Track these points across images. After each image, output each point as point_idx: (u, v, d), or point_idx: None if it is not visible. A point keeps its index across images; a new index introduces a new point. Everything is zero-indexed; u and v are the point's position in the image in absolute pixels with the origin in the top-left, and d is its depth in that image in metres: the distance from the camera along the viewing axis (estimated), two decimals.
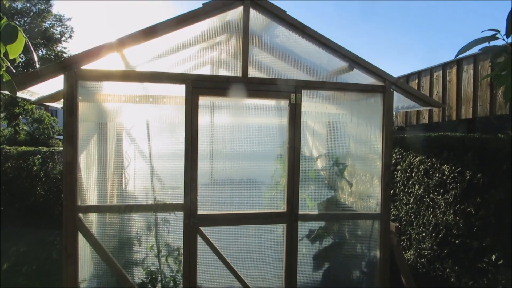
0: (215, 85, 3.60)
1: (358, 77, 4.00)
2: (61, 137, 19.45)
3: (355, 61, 3.87)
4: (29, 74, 3.23)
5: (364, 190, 4.03)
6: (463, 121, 5.20)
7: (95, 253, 3.44)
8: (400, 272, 4.31)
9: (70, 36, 19.35)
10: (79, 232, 3.40)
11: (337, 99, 3.97)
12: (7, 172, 8.45)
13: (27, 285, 5.07)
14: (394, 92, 3.94)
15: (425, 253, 4.16)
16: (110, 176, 3.64)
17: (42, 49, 18.16)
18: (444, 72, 5.53)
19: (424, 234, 4.18)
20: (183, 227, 3.54)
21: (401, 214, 4.60)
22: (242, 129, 3.85)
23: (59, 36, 18.91)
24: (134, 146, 3.67)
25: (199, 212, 3.57)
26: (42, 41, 17.76)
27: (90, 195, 3.52)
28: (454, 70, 5.35)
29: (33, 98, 4.05)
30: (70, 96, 3.35)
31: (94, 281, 3.50)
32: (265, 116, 3.91)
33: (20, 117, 16.05)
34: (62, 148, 10.06)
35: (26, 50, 1.93)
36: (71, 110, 3.35)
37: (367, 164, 4.03)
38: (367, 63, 3.88)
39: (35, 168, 8.52)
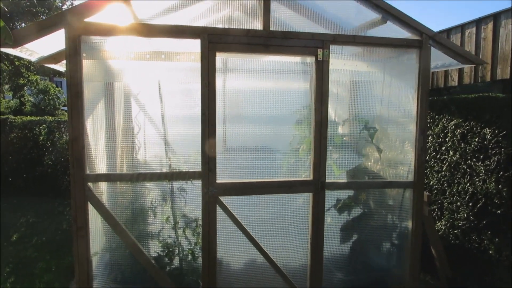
0: (233, 40, 3.21)
1: (389, 32, 3.57)
2: (66, 108, 19.22)
3: (389, 12, 3.44)
4: (25, 28, 2.86)
5: (396, 156, 3.70)
6: (498, 82, 4.77)
7: (107, 225, 3.18)
8: (430, 243, 4.04)
9: (72, 4, 18.67)
10: (89, 203, 3.14)
11: (368, 56, 3.57)
12: (13, 142, 8.21)
13: (38, 257, 4.90)
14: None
15: (459, 224, 3.86)
16: (120, 142, 3.33)
17: (43, 17, 17.57)
18: (478, 29, 5.05)
19: (458, 203, 3.87)
20: (201, 197, 3.25)
21: (431, 182, 4.28)
22: (261, 91, 3.49)
23: (60, 4, 18.26)
24: (145, 109, 3.34)
25: (218, 181, 3.28)
26: (42, 9, 17.17)
27: (99, 163, 3.22)
28: (490, 26, 4.86)
29: (33, 58, 3.70)
30: (73, 53, 2.99)
31: (107, 255, 3.26)
32: (286, 78, 3.52)
33: (25, 88, 15.71)
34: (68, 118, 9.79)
35: None
36: (74, 68, 3.01)
37: (400, 128, 3.67)
38: (403, 15, 3.45)
39: (41, 138, 8.27)
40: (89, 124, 3.16)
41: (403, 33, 3.59)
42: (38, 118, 8.68)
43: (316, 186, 3.45)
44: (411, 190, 3.66)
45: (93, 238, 3.19)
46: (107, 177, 3.19)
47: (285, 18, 3.53)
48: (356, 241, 3.65)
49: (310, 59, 3.40)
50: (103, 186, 3.24)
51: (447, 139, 4.07)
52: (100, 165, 3.22)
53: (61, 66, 4.48)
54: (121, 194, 3.23)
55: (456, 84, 5.35)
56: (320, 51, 3.34)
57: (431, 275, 4.18)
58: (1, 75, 13.84)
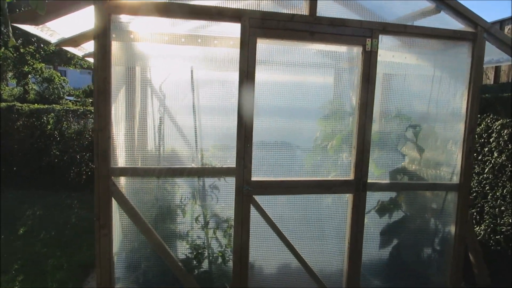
0: (277, 25, 2.93)
1: (438, 23, 3.30)
2: (71, 97, 18.86)
3: (443, 1, 3.17)
4: (53, 2, 2.58)
5: (441, 157, 3.44)
6: None
7: (132, 223, 2.92)
8: (469, 249, 3.80)
9: None
10: (113, 199, 2.88)
11: (418, 48, 3.29)
12: (19, 130, 7.92)
13: (48, 253, 4.64)
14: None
15: (503, 229, 3.61)
16: (147, 134, 3.06)
17: None
18: (502, 29, 4.79)
19: (503, 208, 3.61)
20: (235, 195, 2.99)
21: (471, 184, 4.03)
22: (300, 83, 3.22)
23: None
24: (177, 98, 3.06)
25: (253, 178, 3.02)
26: None
27: (123, 155, 2.95)
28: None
29: (53, 40, 3.43)
30: (102, 33, 2.72)
31: (130, 255, 3.00)
32: (330, 69, 3.22)
33: (29, 76, 15.39)
34: (75, 107, 9.50)
35: None
36: (103, 50, 2.73)
37: (447, 127, 3.41)
38: (459, 4, 3.18)
39: (49, 127, 7.98)
40: (113, 112, 2.89)
41: (454, 24, 3.32)
42: (46, 106, 8.38)
43: (358, 187, 3.19)
44: (456, 193, 3.40)
45: (115, 237, 2.93)
46: (133, 171, 2.92)
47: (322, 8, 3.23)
48: (396, 246, 3.40)
49: (357, 50, 3.13)
50: (127, 181, 2.96)
51: (491, 139, 3.81)
52: (125, 158, 2.95)
53: (80, 50, 4.21)
54: (148, 190, 2.96)
55: (492, 82, 5.08)
56: (368, 41, 3.07)
57: (468, 282, 3.93)
58: (5, 62, 13.52)
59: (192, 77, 3.06)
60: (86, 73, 32.58)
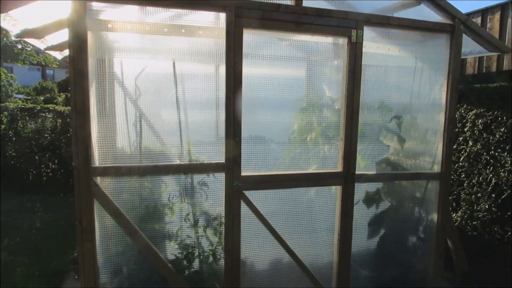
0: (262, 15, 2.84)
1: (416, 15, 3.36)
2: (20, 95, 17.70)
3: None
4: None
5: (423, 146, 3.52)
6: (505, 72, 4.74)
7: (116, 225, 2.75)
8: (447, 235, 3.93)
9: None
10: (95, 201, 2.69)
11: (400, 39, 3.33)
12: None
13: (15, 261, 4.30)
14: None
15: (479, 215, 3.77)
16: (130, 130, 2.88)
17: None
18: (484, 19, 4.98)
19: (479, 194, 3.76)
20: (225, 192, 2.90)
21: None
22: (285, 76, 3.17)
23: None
24: (160, 92, 2.91)
25: (243, 173, 2.93)
26: None
27: (105, 154, 2.76)
28: (497, 16, 4.81)
29: (15, 31, 3.15)
30: (77, 22, 2.51)
31: (116, 259, 2.82)
32: (315, 60, 3.18)
33: None
34: (32, 105, 8.91)
35: None
36: (80, 41, 2.53)
37: (428, 118, 3.49)
38: None
39: (3, 126, 7.43)
40: (92, 107, 2.69)
41: (432, 17, 3.39)
42: None
43: (346, 179, 3.20)
44: (437, 182, 3.50)
45: (99, 242, 2.75)
46: (117, 170, 2.74)
47: None
48: (383, 236, 3.45)
49: (342, 41, 3.11)
50: (109, 181, 2.78)
51: (465, 129, 3.95)
52: (106, 157, 2.76)
53: (42, 43, 3.92)
54: (132, 190, 2.80)
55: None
56: (354, 32, 3.06)
57: (445, 268, 4.07)
58: None
59: (174, 70, 2.91)
60: (35, 70, 30.82)
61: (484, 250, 3.81)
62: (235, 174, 2.91)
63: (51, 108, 7.89)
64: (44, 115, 7.81)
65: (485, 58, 4.98)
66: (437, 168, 3.49)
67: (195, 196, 2.91)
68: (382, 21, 3.16)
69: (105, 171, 2.70)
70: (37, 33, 3.32)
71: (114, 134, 2.82)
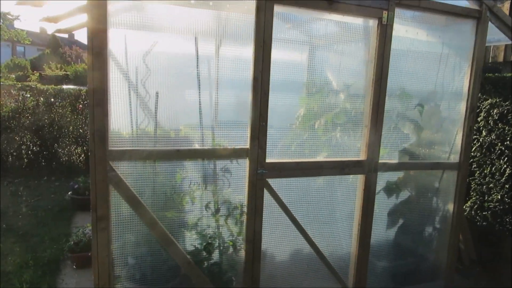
0: None
1: None
2: None
3: None
4: None
5: (443, 136, 3.45)
6: (508, 63, 4.74)
7: (133, 214, 2.53)
8: None
9: None
10: (111, 187, 2.46)
11: (428, 23, 3.21)
12: None
13: (4, 249, 4.00)
14: None
15: (491, 206, 3.76)
16: (148, 111, 2.64)
17: None
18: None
19: (491, 185, 3.75)
20: (248, 179, 2.73)
21: None
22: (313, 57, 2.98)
23: None
24: (182, 70, 2.68)
25: (267, 160, 2.77)
26: None
27: (121, 136, 2.53)
28: (506, 5, 4.78)
29: None
30: None
31: (132, 250, 2.62)
32: (343, 43, 3.01)
33: None
34: (12, 82, 8.34)
35: None
36: (98, 11, 2.27)
37: (449, 106, 3.41)
38: None
39: None
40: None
41: (458, 2, 3.28)
42: None
43: (369, 167, 3.09)
44: (456, 172, 3.45)
45: (114, 231, 2.53)
46: (136, 154, 2.51)
47: None
48: (402, 225, 3.38)
49: (372, 22, 2.96)
50: (127, 166, 2.54)
51: (478, 119, 3.91)
52: (123, 139, 2.52)
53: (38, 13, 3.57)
54: (151, 176, 2.58)
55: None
56: (385, 13, 2.91)
57: None
58: None
59: (196, 45, 2.68)
60: (5, 46, 29.30)
61: (495, 239, 3.82)
62: (260, 160, 2.74)
63: (33, 86, 7.42)
64: (24, 93, 7.34)
65: (492, 47, 4.96)
66: (454, 158, 3.44)
67: (217, 183, 2.72)
68: (413, 4, 3.02)
69: (123, 154, 2.47)
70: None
71: (131, 115, 2.58)
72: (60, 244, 4.11)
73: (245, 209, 2.77)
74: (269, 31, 2.62)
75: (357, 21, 2.96)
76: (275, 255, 2.99)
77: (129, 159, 2.50)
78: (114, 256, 2.54)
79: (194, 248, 2.72)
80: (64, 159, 7.37)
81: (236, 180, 2.76)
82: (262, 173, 2.74)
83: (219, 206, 2.77)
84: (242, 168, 2.74)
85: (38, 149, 7.24)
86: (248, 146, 2.71)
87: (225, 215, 2.78)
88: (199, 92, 2.72)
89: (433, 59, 3.27)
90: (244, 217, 2.79)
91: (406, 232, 3.39)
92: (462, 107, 3.38)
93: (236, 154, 2.72)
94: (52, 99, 7.35)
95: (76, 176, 5.89)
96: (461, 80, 3.36)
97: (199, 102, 2.72)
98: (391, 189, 3.28)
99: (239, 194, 2.78)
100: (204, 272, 2.74)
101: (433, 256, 3.55)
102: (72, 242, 3.85)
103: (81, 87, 7.96)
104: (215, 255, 2.79)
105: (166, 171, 2.61)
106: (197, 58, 2.68)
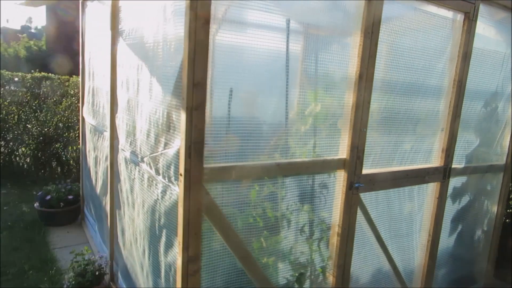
0: None
1: None
2: None
3: None
4: None
5: (496, 137, 3.36)
6: None
7: (225, 248, 1.97)
8: None
9: None
10: (203, 215, 1.87)
11: (498, 22, 3.05)
12: None
13: None
14: None
15: None
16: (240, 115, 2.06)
17: None
18: None
19: None
20: (344, 195, 2.32)
21: None
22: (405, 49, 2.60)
23: None
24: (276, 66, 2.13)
25: (363, 171, 2.38)
26: None
27: (211, 148, 1.92)
28: None
29: None
30: None
31: None
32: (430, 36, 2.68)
33: None
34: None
35: None
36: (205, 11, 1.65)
37: (503, 107, 3.31)
38: None
39: None
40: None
41: None
42: None
43: (445, 174, 2.87)
44: (501, 174, 3.42)
45: (205, 273, 1.95)
46: (236, 171, 1.93)
47: None
48: (460, 232, 3.24)
49: (460, 17, 2.69)
50: (215, 187, 1.96)
51: None
52: (213, 152, 1.93)
53: None
54: (242, 198, 2.03)
55: None
56: (472, 8, 2.67)
57: None
58: None
59: (288, 29, 2.15)
60: None
61: None
62: (357, 172, 2.34)
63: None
64: None
65: None
66: (502, 160, 3.40)
67: (313, 201, 2.26)
68: (500, 2, 2.83)
69: (218, 173, 1.88)
70: None
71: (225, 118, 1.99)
72: (55, 278, 3.24)
73: (337, 230, 2.36)
74: (378, 24, 2.21)
75: (445, 14, 2.67)
76: (359, 278, 2.63)
77: (225, 177, 1.92)
78: None
79: (286, 281, 2.23)
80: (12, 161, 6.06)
81: (330, 197, 2.33)
82: (357, 187, 2.35)
83: (314, 229, 2.31)
84: (337, 182, 2.32)
85: None
86: (345, 156, 2.29)
87: (318, 239, 2.34)
88: (287, 88, 2.20)
89: (498, 59, 3.13)
90: (335, 239, 2.38)
91: (463, 237, 3.27)
92: (510, 108, 3.32)
93: (333, 166, 2.28)
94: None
95: (33, 184, 4.84)
96: None
97: (286, 102, 2.21)
98: (455, 195, 3.11)
99: (331, 212, 2.36)
100: None
101: (479, 260, 3.50)
102: (72, 274, 3.05)
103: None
104: (306, 286, 2.34)
105: (260, 189, 2.07)
106: (287, 46, 2.16)
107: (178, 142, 1.86)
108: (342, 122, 2.27)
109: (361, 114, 2.27)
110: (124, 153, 2.68)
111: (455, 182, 3.08)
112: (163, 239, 2.13)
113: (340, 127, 2.28)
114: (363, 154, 2.34)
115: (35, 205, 4.38)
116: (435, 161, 2.85)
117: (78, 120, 5.06)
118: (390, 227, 2.70)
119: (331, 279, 2.43)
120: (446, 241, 3.19)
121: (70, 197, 4.36)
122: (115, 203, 3.11)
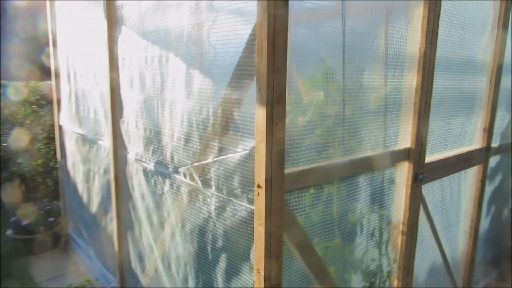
0: None
1: None
2: None
3: None
4: None
5: None
6: None
7: (299, 266, 1.64)
8: None
9: None
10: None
11: None
12: None
13: None
14: None
15: None
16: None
17: None
18: None
19: None
20: (409, 188, 2.06)
21: None
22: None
23: None
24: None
25: (426, 160, 2.13)
26: None
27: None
28: None
29: None
30: None
31: None
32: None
33: None
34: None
35: None
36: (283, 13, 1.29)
37: None
38: None
39: None
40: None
41: None
42: None
43: (487, 155, 2.71)
44: None
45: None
46: (315, 174, 1.59)
47: None
48: (494, 213, 3.12)
49: None
50: (297, 196, 1.61)
51: None
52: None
53: None
54: (319, 205, 1.70)
55: None
56: None
57: None
58: None
59: (343, 9, 1.83)
60: None
61: None
62: (421, 162, 2.09)
63: None
64: None
65: None
66: None
67: (382, 200, 1.97)
68: None
69: (299, 178, 1.53)
70: None
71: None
72: None
73: (401, 228, 2.10)
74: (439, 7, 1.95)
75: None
76: (418, 277, 2.39)
77: (302, 183, 1.58)
78: None
79: None
80: None
81: (396, 192, 2.06)
82: (421, 178, 2.10)
83: (383, 231, 2.03)
84: (401, 175, 2.05)
85: None
86: (409, 145, 2.03)
87: (386, 241, 2.07)
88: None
89: None
90: (400, 239, 2.12)
91: (495, 218, 3.16)
92: None
93: (399, 157, 2.01)
94: None
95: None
96: None
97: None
98: (491, 176, 2.98)
99: (396, 209, 2.09)
100: None
101: (506, 242, 3.43)
102: None
103: None
104: None
105: (338, 193, 1.75)
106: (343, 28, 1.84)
107: (247, 145, 1.49)
108: (406, 107, 2.00)
109: (425, 96, 2.01)
110: (142, 164, 2.22)
111: (491, 162, 2.94)
112: (222, 265, 1.75)
113: (403, 112, 2.01)
114: (426, 142, 2.09)
115: (7, 233, 3.73)
116: (478, 142, 2.68)
117: (48, 130, 4.40)
118: (442, 218, 2.50)
119: (395, 283, 2.17)
120: (482, 224, 3.07)
121: (51, 219, 3.75)
122: (124, 223, 2.65)
